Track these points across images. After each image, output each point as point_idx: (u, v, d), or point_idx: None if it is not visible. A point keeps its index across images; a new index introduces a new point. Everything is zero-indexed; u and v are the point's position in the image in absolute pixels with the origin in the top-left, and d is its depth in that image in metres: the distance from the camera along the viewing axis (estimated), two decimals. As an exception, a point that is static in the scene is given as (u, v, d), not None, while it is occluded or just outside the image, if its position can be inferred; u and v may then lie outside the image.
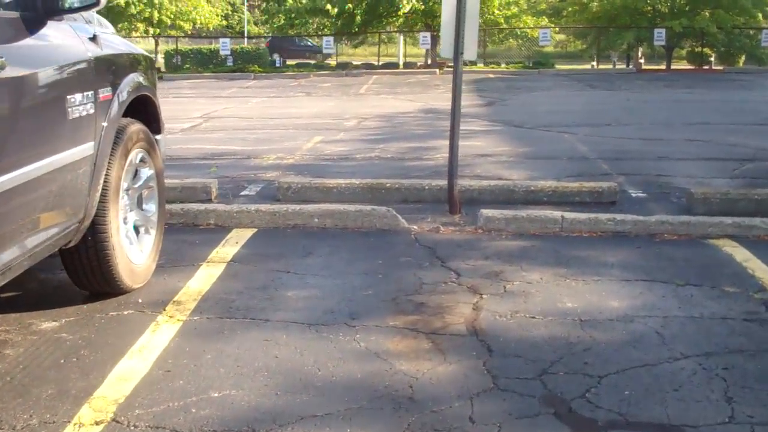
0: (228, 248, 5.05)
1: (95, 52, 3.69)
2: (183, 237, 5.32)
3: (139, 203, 4.43)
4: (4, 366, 3.38)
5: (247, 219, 5.59)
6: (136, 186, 4.33)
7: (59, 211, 3.43)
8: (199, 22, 37.38)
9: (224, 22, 43.65)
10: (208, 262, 4.77)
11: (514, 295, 4.24)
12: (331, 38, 30.76)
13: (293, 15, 33.53)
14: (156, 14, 35.49)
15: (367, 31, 31.80)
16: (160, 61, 35.58)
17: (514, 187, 6.42)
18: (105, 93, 3.73)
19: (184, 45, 37.26)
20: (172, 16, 36.11)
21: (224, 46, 29.70)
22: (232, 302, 4.12)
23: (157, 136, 4.63)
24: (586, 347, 3.58)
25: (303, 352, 3.54)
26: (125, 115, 4.16)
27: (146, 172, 4.40)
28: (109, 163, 3.82)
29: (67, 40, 3.50)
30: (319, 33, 34.94)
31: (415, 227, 5.60)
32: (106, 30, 4.19)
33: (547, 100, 16.77)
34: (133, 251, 4.22)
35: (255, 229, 5.54)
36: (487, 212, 5.57)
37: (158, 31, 37.02)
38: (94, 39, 3.73)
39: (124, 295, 4.16)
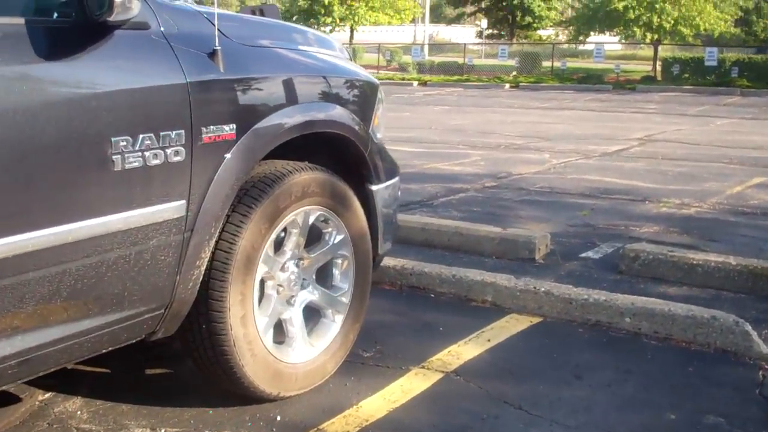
0: (469, 347, 3.62)
1: (204, 74, 2.58)
2: (434, 317, 4.00)
3: (323, 278, 3.25)
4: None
5: (533, 303, 4.06)
6: (313, 255, 3.15)
7: (109, 296, 2.41)
8: (702, 28, 34.50)
9: (734, 29, 39.57)
10: (423, 366, 3.40)
11: None
12: None
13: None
14: (656, 19, 33.57)
15: None
16: (658, 69, 33.72)
17: None
18: (216, 132, 2.60)
19: (685, 53, 34.74)
20: (672, 21, 33.83)
21: (710, 55, 26.80)
22: (388, 452, 2.74)
23: (373, 187, 3.39)
24: None
25: None
26: (300, 158, 3.03)
27: (334, 236, 3.20)
28: (227, 228, 2.71)
29: (134, 58, 2.44)
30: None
31: (782, 356, 3.55)
32: (281, 42, 3.06)
33: None
34: (294, 347, 3.07)
35: (539, 319, 4.00)
36: None
37: (656, 36, 35.09)
38: (213, 55, 2.62)
39: (273, 402, 3.03)
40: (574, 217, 6.45)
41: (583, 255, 5.28)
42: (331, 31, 46.83)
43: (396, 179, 3.63)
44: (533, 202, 7.06)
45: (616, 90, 24.76)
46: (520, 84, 25.86)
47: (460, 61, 35.28)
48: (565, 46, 44.46)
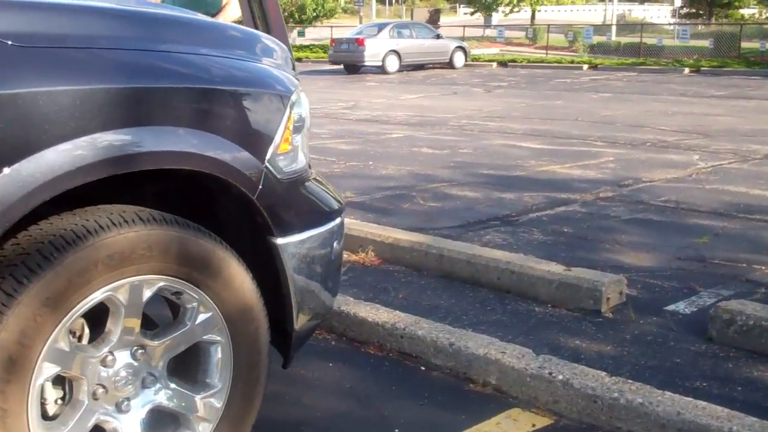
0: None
1: None
2: (403, 406, 2.94)
3: (188, 371, 2.31)
4: None
5: (547, 394, 2.92)
6: (162, 341, 2.21)
7: None
8: None
9: None
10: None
11: None
12: None
13: None
14: None
15: None
16: None
17: None
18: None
19: None
20: None
21: None
22: None
23: (279, 240, 2.40)
24: None
25: None
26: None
27: (194, 314, 2.24)
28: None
29: None
30: None
31: None
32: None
33: None
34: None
35: (549, 420, 2.85)
36: None
37: None
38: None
39: None
40: (688, 246, 5.11)
41: (671, 308, 4.01)
42: (509, 13, 45.20)
43: (328, 226, 2.59)
44: (645, 223, 5.74)
45: (815, 76, 21.85)
46: (702, 68, 23.39)
47: (649, 41, 32.80)
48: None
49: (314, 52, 32.63)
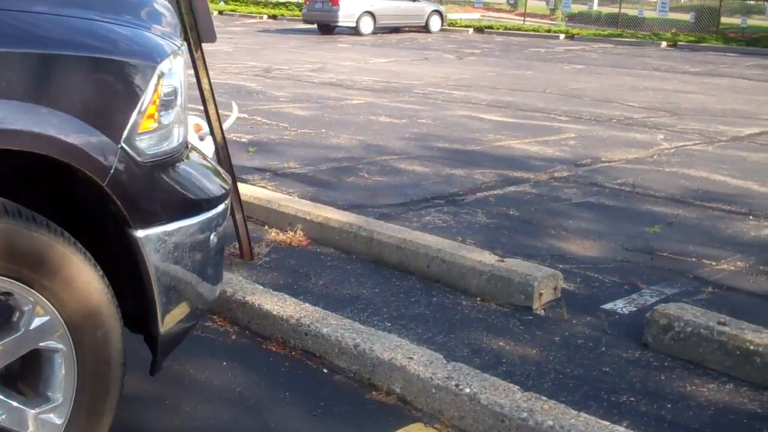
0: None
1: None
2: (291, 418, 2.65)
3: (32, 381, 2.01)
4: None
5: (453, 409, 2.64)
6: (-17, 348, 1.90)
7: None
8: None
9: None
10: None
11: None
12: None
13: None
14: None
15: None
16: None
17: None
18: None
19: None
20: None
21: None
22: None
23: (138, 233, 2.08)
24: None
25: None
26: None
27: (30, 318, 1.93)
28: None
29: None
30: None
31: None
32: None
33: None
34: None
35: (453, 437, 2.58)
36: None
37: None
38: None
39: None
40: (638, 235, 4.85)
41: (608, 306, 3.75)
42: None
43: (205, 216, 2.28)
44: (597, 207, 5.47)
45: (791, 55, 21.56)
46: (679, 43, 23.02)
47: (630, 12, 32.40)
48: (753, 2, 40.13)
49: (290, 10, 31.84)
